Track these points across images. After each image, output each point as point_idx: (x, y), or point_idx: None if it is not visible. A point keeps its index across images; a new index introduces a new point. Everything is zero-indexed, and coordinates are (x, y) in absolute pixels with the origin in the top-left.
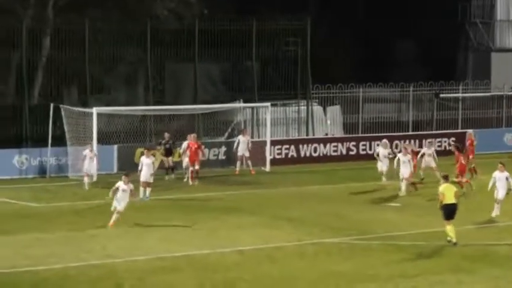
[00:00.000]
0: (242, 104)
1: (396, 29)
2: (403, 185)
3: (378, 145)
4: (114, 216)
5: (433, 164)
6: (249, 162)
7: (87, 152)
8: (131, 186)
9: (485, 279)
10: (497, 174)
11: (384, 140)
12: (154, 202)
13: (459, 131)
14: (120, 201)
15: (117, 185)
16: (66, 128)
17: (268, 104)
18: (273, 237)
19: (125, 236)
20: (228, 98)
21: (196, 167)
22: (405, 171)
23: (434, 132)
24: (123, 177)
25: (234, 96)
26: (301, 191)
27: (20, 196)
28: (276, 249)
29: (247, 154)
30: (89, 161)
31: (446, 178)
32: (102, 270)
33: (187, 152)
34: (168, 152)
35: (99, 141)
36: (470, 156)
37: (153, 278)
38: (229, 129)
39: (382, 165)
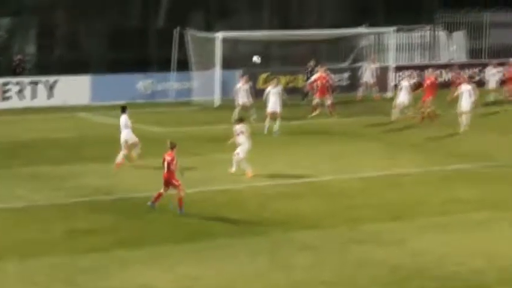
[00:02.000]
0: (365, 30)
1: None
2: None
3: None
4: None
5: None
6: (374, 89)
7: (239, 85)
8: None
9: None
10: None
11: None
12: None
13: None
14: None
15: None
16: (191, 52)
17: (392, 29)
18: (395, 164)
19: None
20: (353, 23)
21: (329, 101)
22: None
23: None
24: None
25: (358, 20)
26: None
27: (145, 120)
28: (399, 176)
29: (371, 81)
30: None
31: None
32: (228, 195)
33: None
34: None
35: (223, 66)
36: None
37: (277, 203)
38: (353, 55)
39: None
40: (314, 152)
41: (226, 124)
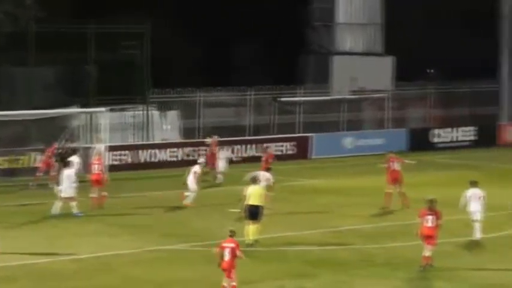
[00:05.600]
0: (77, 110)
1: (237, 31)
2: None
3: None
4: None
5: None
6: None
7: None
8: None
9: (327, 284)
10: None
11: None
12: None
13: (299, 135)
14: None
15: None
16: None
17: (104, 109)
18: (112, 245)
19: None
20: (65, 103)
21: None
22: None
23: (274, 136)
24: None
25: (70, 100)
26: (140, 198)
27: None
28: (115, 257)
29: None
30: None
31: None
32: None
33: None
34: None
35: None
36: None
37: None
38: (64, 135)
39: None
40: (31, 234)
41: None
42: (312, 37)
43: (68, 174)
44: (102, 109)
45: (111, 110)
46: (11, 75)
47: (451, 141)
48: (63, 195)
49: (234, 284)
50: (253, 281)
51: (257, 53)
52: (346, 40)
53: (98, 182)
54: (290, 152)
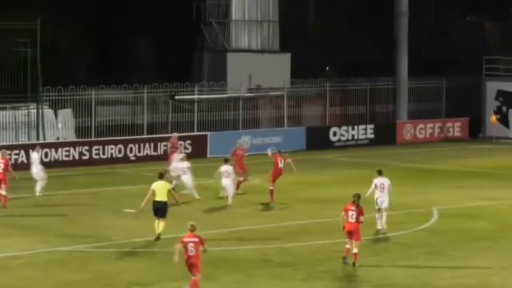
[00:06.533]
0: None
1: (131, 29)
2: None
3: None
4: None
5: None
6: None
7: None
8: None
9: (226, 285)
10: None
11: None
12: None
13: (195, 133)
14: None
15: None
16: None
17: None
18: (4, 247)
19: None
20: None
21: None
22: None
23: (169, 135)
24: None
25: None
26: (33, 198)
27: None
28: (8, 259)
29: None
30: None
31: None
32: None
33: None
34: None
35: None
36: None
37: None
38: None
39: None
40: None
41: None
42: (208, 34)
43: None
44: None
45: (2, 109)
46: None
47: (350, 140)
48: None
49: (196, 278)
50: (149, 283)
51: (152, 50)
52: (242, 37)
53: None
54: (186, 151)
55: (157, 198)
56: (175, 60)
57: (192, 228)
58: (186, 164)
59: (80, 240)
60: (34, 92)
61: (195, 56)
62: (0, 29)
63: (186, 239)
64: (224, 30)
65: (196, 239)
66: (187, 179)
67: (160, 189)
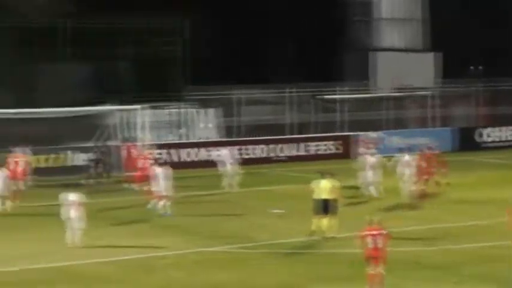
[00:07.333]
0: (111, 108)
1: (274, 29)
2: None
3: None
4: None
5: None
6: None
7: None
8: None
9: None
10: None
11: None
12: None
13: (341, 133)
14: None
15: None
16: None
17: (139, 106)
18: (153, 247)
19: None
20: (99, 101)
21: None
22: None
23: (314, 135)
24: None
25: (104, 98)
26: (183, 198)
27: None
28: (155, 259)
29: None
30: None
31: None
32: None
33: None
34: None
35: None
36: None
37: None
38: (98, 133)
39: None
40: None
41: None
42: (352, 33)
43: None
44: (137, 106)
45: (151, 108)
46: (44, 71)
47: (499, 141)
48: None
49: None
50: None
51: (295, 50)
52: (387, 36)
53: None
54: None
55: (322, 197)
56: (318, 59)
57: (372, 222)
58: (374, 160)
59: (226, 240)
60: (178, 91)
61: (338, 55)
62: (147, 28)
63: (372, 232)
64: (368, 29)
65: (383, 231)
66: (373, 175)
67: (322, 188)
